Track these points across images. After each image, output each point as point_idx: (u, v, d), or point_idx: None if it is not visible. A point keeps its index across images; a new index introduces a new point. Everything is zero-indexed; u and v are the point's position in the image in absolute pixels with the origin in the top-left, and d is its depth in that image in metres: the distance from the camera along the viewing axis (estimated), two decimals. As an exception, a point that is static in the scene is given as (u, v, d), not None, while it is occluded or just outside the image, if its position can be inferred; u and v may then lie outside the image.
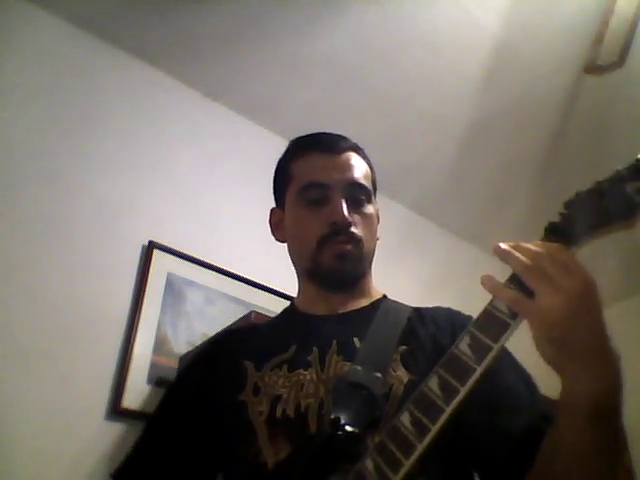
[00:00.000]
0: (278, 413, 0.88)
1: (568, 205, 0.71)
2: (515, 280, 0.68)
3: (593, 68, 1.91)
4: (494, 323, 0.68)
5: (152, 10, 1.96)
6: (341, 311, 1.01)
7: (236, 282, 2.08)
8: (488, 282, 0.69)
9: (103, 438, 1.65)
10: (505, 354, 0.91)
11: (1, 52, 1.85)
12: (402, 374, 0.88)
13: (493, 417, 0.83)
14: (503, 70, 2.19)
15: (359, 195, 1.03)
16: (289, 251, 1.09)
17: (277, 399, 0.90)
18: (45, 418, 1.60)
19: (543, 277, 0.65)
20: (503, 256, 0.69)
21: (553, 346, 0.65)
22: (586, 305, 0.65)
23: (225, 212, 2.18)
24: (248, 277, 2.10)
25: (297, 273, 1.09)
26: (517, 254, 0.67)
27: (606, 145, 2.28)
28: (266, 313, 1.70)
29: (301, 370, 0.92)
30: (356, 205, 1.02)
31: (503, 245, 0.69)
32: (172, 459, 0.97)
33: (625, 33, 1.82)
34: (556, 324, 0.64)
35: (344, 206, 0.99)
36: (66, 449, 1.61)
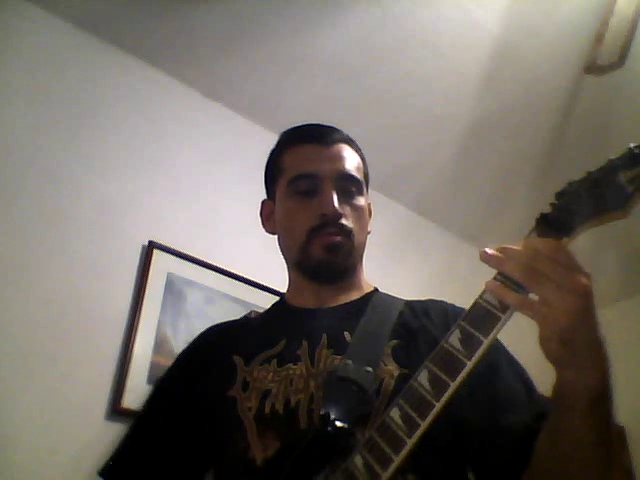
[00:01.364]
0: (267, 409, 0.87)
1: (560, 195, 0.70)
2: (505, 276, 0.67)
3: (593, 68, 1.91)
4: (485, 317, 0.67)
5: (152, 10, 1.96)
6: (331, 304, 1.00)
7: (236, 282, 2.07)
8: (494, 288, 0.67)
9: (103, 438, 1.64)
10: (501, 350, 0.91)
11: (1, 52, 1.85)
12: (393, 368, 0.87)
13: (490, 414, 0.83)
14: (503, 70, 2.19)
15: (350, 186, 1.02)
16: (279, 243, 1.08)
17: (266, 394, 0.89)
18: (45, 418, 1.60)
19: (546, 281, 0.64)
20: (495, 263, 0.67)
21: (562, 345, 0.65)
22: (591, 301, 0.65)
23: (225, 212, 2.18)
24: (248, 277, 2.10)
25: (287, 265, 1.08)
26: (511, 259, 0.66)
27: (606, 145, 2.27)
28: (266, 313, 1.70)
29: (290, 364, 0.91)
30: (347, 196, 1.01)
31: (490, 251, 0.68)
32: (161, 455, 0.96)
33: (625, 33, 1.82)
34: (568, 325, 0.63)
35: (334, 197, 0.98)
36: (66, 449, 1.60)
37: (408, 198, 2.72)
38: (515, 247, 0.67)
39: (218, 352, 1.00)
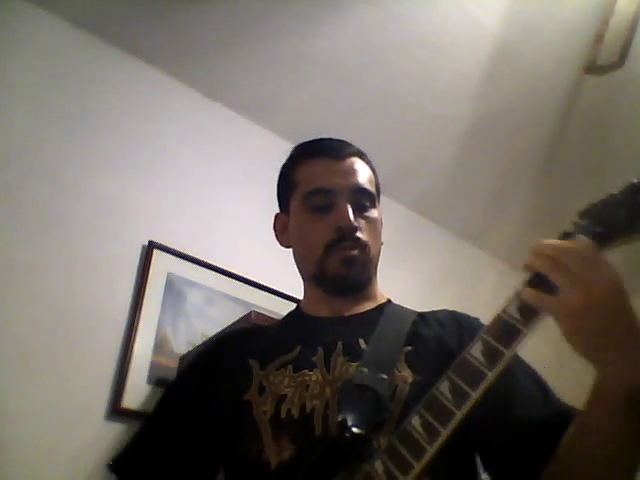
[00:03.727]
0: (283, 413, 0.88)
1: (583, 215, 0.71)
2: (537, 277, 0.69)
3: (593, 68, 1.91)
4: (506, 330, 0.69)
5: (152, 10, 1.96)
6: (347, 314, 1.02)
7: (236, 282, 2.07)
8: (523, 291, 0.70)
9: (103, 438, 1.65)
10: (516, 358, 0.91)
11: (1, 52, 1.85)
12: (407, 374, 0.88)
13: (507, 414, 0.84)
14: (503, 70, 2.19)
15: (364, 200, 1.04)
16: (294, 256, 1.09)
17: (282, 399, 0.90)
18: (45, 418, 1.60)
19: (567, 272, 0.66)
20: (529, 266, 0.70)
21: (582, 338, 0.67)
22: (611, 298, 0.66)
23: (225, 212, 2.18)
24: (248, 277, 2.10)
25: (302, 277, 1.09)
26: (539, 256, 0.69)
27: (606, 145, 2.28)
28: (266, 313, 1.70)
29: (306, 371, 0.92)
30: (361, 210, 1.03)
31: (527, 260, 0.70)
32: (171, 454, 0.97)
33: (625, 33, 1.82)
34: (580, 316, 0.65)
35: (350, 211, 1.00)
36: (66, 449, 1.61)
37: (408, 198, 2.72)
38: (549, 241, 0.70)
39: (233, 355, 1.01)
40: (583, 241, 0.69)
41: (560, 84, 2.23)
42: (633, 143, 2.23)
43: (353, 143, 1.11)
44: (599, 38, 1.87)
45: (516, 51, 2.13)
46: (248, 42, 2.08)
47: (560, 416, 0.80)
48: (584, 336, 0.67)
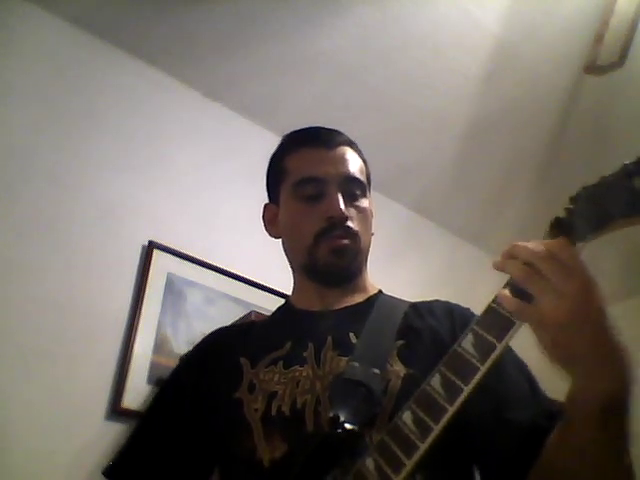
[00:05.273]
0: (273, 410, 0.88)
1: (574, 200, 0.69)
2: (513, 283, 0.67)
3: (593, 68, 1.91)
4: (498, 321, 0.67)
5: (152, 10, 1.96)
6: (336, 307, 1.01)
7: (236, 282, 2.08)
8: (502, 296, 0.68)
9: (103, 438, 1.64)
10: (507, 350, 0.91)
11: (1, 52, 1.85)
12: (399, 368, 0.87)
13: (495, 412, 0.83)
14: (503, 70, 2.19)
15: (355, 189, 1.03)
16: (284, 247, 1.08)
17: (272, 396, 0.89)
18: (45, 418, 1.60)
19: (541, 281, 0.64)
20: (501, 268, 0.68)
21: (557, 349, 0.65)
22: (587, 306, 0.64)
23: (225, 212, 2.18)
24: (248, 277, 2.10)
25: (292, 269, 1.09)
26: (513, 260, 0.67)
27: (606, 145, 2.27)
28: (266, 313, 1.70)
29: (297, 366, 0.91)
30: (352, 199, 1.02)
31: (499, 258, 0.68)
32: (165, 456, 0.96)
33: (625, 33, 1.82)
34: (557, 328, 0.63)
35: (340, 200, 0.99)
36: (66, 449, 1.61)
37: (408, 198, 2.72)
38: (522, 244, 0.67)
39: (224, 354, 1.00)
40: (559, 242, 0.66)
41: (560, 84, 2.23)
42: (633, 143, 2.23)
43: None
44: (599, 38, 1.87)
45: (516, 51, 2.12)
46: (248, 42, 2.08)
47: (547, 418, 0.79)
48: (560, 348, 0.65)
